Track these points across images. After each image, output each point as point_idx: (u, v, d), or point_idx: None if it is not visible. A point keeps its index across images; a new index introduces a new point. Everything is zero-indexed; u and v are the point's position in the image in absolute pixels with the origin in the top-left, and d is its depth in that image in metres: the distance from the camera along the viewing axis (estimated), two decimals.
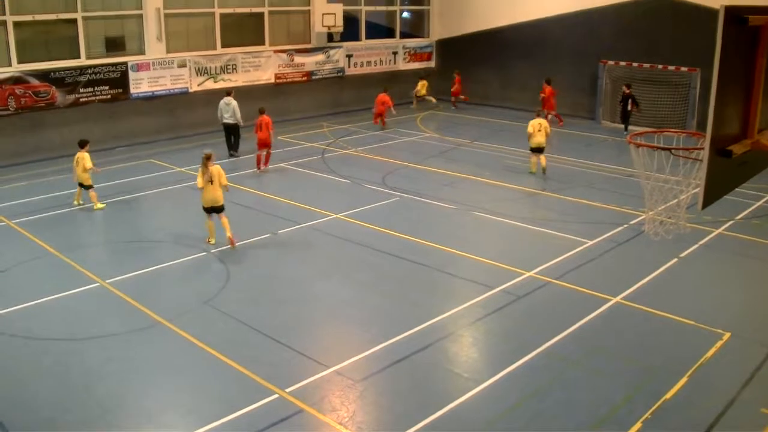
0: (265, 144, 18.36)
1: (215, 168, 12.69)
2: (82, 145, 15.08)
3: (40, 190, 16.56)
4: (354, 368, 8.78)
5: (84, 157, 14.81)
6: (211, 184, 12.62)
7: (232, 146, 20.19)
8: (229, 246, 12.73)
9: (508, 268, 11.92)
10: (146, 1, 21.24)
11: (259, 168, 18.47)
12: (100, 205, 15.09)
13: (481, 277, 11.62)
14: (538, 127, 17.65)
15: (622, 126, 23.86)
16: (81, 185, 15.10)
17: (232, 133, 20.07)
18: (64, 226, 14.46)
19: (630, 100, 23.44)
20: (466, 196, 16.24)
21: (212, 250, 12.64)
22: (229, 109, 19.63)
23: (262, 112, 18.52)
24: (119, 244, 13.27)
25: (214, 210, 12.82)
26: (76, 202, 15.34)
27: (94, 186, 15.13)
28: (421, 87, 28.32)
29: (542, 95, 24.46)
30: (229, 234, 12.72)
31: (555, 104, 24.54)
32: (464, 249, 12.80)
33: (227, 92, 20.19)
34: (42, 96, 19.33)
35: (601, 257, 12.53)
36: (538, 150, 17.83)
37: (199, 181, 12.70)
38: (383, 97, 24.18)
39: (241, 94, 20.71)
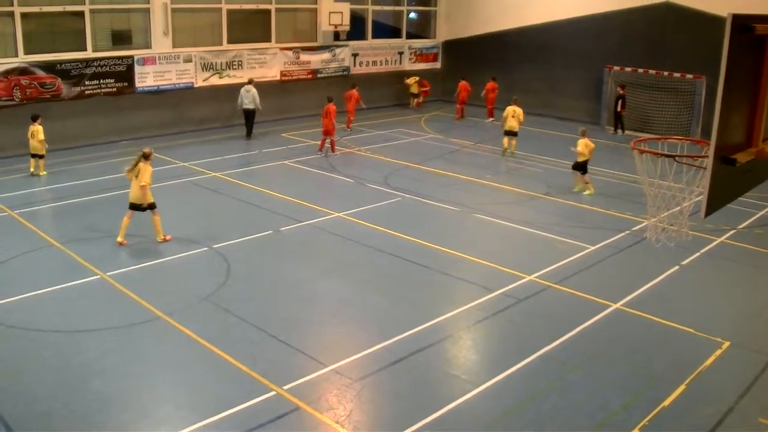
0: (327, 131, 19.68)
1: (143, 166, 12.34)
2: (35, 118, 16.89)
3: (42, 181, 16.60)
4: (352, 367, 8.78)
5: (38, 130, 16.73)
6: (136, 179, 12.42)
7: (249, 131, 21.91)
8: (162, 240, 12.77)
9: (508, 271, 11.91)
10: None
11: (321, 151, 19.94)
12: (44, 172, 17.12)
13: (481, 279, 11.61)
14: (512, 113, 20.19)
15: (616, 128, 23.91)
16: (34, 155, 16.96)
17: (249, 118, 21.79)
18: (66, 217, 14.47)
19: (621, 101, 23.45)
20: (468, 198, 16.23)
21: (214, 246, 12.66)
22: (250, 96, 21.47)
23: (330, 100, 20.09)
24: None
25: (135, 208, 12.55)
26: (32, 170, 17.05)
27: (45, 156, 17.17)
28: (412, 83, 28.36)
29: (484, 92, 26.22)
30: (159, 237, 12.71)
31: (465, 99, 26.50)
32: (465, 251, 12.79)
33: (249, 81, 21.95)
34: (47, 87, 19.34)
35: (602, 263, 12.52)
36: (511, 133, 20.30)
37: (126, 172, 12.65)
38: (352, 93, 23.59)
39: None
